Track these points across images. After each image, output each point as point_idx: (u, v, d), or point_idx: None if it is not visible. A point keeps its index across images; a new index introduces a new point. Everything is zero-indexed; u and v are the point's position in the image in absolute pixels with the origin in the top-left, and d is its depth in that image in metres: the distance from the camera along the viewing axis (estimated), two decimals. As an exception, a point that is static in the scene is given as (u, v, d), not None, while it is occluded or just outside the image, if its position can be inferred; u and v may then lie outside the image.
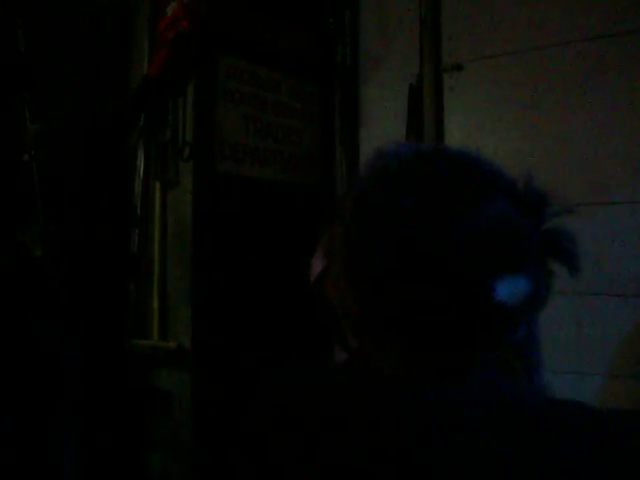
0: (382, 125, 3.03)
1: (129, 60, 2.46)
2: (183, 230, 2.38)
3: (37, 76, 2.05)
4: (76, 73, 2.28)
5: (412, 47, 2.95)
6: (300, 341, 2.49)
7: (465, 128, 2.85)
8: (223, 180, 2.47)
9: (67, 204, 2.13)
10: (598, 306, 2.49)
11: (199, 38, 2.27)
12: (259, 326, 2.46)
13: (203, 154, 2.42)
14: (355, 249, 0.78)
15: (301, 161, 2.84)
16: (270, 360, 2.29)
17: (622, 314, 2.43)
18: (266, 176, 2.64)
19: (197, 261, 2.35)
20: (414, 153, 0.84)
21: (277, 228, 2.60)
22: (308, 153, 2.89)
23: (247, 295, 2.45)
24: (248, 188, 2.56)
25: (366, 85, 3.10)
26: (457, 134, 2.87)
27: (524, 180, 0.85)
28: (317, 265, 0.87)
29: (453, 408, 0.73)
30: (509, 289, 0.75)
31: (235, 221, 2.46)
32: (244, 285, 2.45)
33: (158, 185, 2.42)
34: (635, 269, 2.43)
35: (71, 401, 1.82)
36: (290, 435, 0.79)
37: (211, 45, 2.40)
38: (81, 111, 2.26)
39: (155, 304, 2.38)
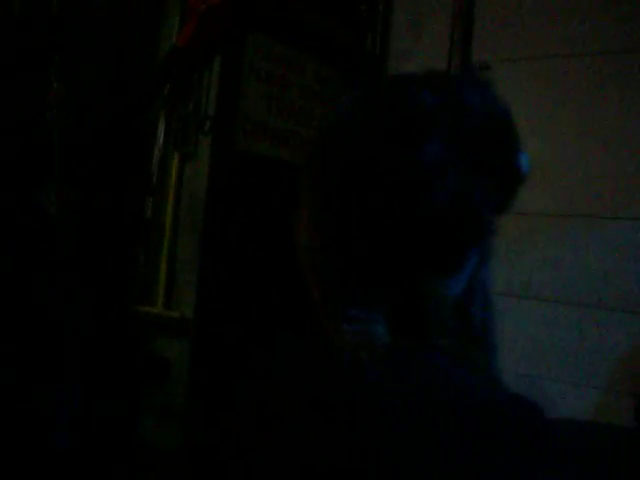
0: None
1: (159, 30, 2.47)
2: (196, 203, 2.39)
3: (67, 40, 2.07)
4: (105, 40, 2.29)
5: (442, 42, 2.94)
6: (301, 316, 2.50)
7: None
8: (241, 156, 2.48)
9: (84, 167, 2.15)
10: (603, 319, 2.49)
11: (229, 13, 2.27)
12: (262, 302, 2.47)
13: (223, 129, 2.43)
14: (319, 185, 0.80)
15: (320, 146, 2.84)
16: (269, 334, 2.31)
17: (626, 329, 2.43)
18: (284, 156, 2.65)
19: (207, 234, 2.37)
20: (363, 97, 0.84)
21: (289, 209, 2.61)
22: (328, 138, 2.89)
23: (253, 271, 2.47)
24: (265, 167, 2.57)
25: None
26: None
27: None
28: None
29: (401, 396, 0.73)
30: (452, 195, 0.74)
31: (248, 198, 2.48)
32: (251, 261, 2.47)
33: (176, 156, 2.43)
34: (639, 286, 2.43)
35: (71, 361, 1.85)
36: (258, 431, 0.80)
37: (241, 21, 2.40)
38: (107, 77, 2.28)
39: (162, 273, 2.41)
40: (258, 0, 2.48)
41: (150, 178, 2.43)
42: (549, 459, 0.70)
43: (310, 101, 2.80)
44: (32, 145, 1.99)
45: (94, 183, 2.24)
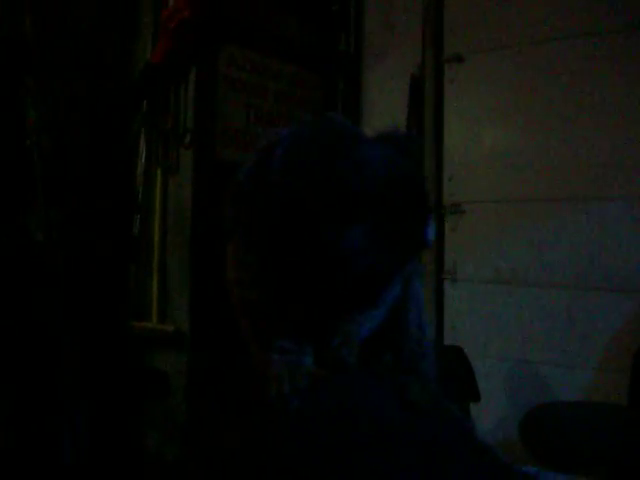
0: (384, 114, 3.06)
1: (133, 48, 2.49)
2: (183, 216, 2.42)
3: (40, 62, 2.08)
4: (79, 60, 2.31)
5: (415, 37, 2.97)
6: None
7: (464, 118, 2.88)
8: (223, 167, 2.50)
9: (69, 189, 2.16)
10: (590, 300, 2.52)
11: (201, 27, 2.29)
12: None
13: (204, 141, 2.45)
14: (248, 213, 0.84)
15: (302, 149, 2.87)
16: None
17: (613, 309, 2.47)
18: (266, 164, 2.67)
19: (196, 247, 2.39)
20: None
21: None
22: (309, 141, 2.92)
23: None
24: (248, 175, 2.59)
25: (368, 74, 3.12)
26: (456, 124, 2.90)
27: None
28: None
29: (316, 424, 0.77)
30: (365, 237, 0.78)
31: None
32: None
33: (159, 171, 2.46)
34: (628, 265, 2.46)
35: (70, 384, 1.87)
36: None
37: (213, 34, 2.43)
38: (84, 97, 2.29)
39: (155, 288, 2.43)
40: (228, 12, 2.51)
41: (135, 195, 2.45)
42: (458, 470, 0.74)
43: (287, 105, 2.82)
44: (14, 172, 2.01)
45: (80, 204, 2.25)
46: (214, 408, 2.23)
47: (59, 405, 1.88)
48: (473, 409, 2.20)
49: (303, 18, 2.91)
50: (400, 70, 2.98)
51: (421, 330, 0.88)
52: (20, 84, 1.98)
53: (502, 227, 2.76)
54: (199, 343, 2.37)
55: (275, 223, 0.82)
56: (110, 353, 2.27)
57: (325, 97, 3.02)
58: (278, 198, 0.82)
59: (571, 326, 2.56)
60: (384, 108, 3.05)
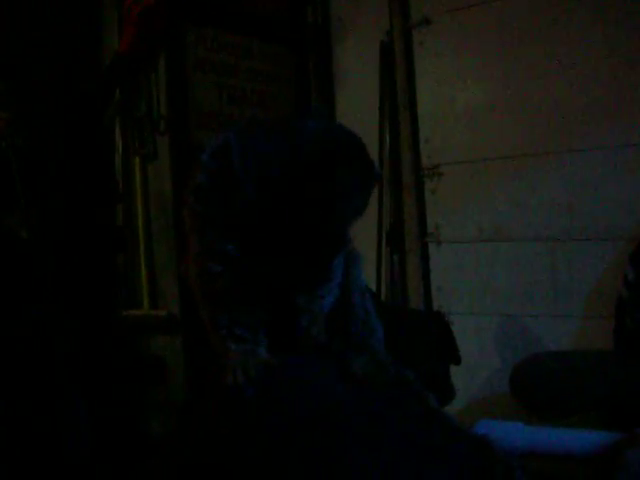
0: (356, 83, 3.07)
1: (100, 38, 2.48)
2: (165, 202, 2.44)
3: (7, 62, 2.08)
4: (47, 56, 2.31)
5: (381, 3, 2.97)
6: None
7: (436, 81, 2.89)
8: (200, 150, 2.51)
9: (48, 186, 2.18)
10: (572, 251, 2.57)
11: (165, 11, 2.28)
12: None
13: (179, 126, 2.46)
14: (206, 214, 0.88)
15: (278, 125, 2.88)
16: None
17: (595, 257, 2.51)
18: (243, 142, 2.68)
19: (180, 230, 2.41)
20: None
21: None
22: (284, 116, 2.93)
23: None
24: (226, 156, 2.60)
25: (338, 45, 3.12)
26: (429, 87, 2.91)
27: None
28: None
29: (269, 411, 0.82)
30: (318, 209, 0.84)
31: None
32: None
33: (137, 159, 2.47)
34: (607, 214, 2.50)
35: (67, 377, 1.91)
36: None
37: (178, 17, 2.42)
38: (55, 93, 2.30)
39: (143, 275, 2.46)
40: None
41: (116, 185, 2.46)
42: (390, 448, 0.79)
43: (260, 83, 2.83)
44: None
45: (61, 200, 2.27)
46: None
47: (57, 400, 1.91)
48: (465, 366, 2.25)
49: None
50: (369, 38, 2.98)
51: (366, 311, 0.92)
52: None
53: (481, 186, 2.79)
54: (192, 325, 2.40)
55: (253, 209, 0.85)
56: (104, 343, 2.31)
57: (296, 71, 3.03)
58: (251, 187, 0.85)
59: (555, 277, 2.60)
60: (356, 78, 3.06)
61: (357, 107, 3.04)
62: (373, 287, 2.79)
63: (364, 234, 2.61)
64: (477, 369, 2.70)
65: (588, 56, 2.54)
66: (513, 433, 1.36)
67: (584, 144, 2.55)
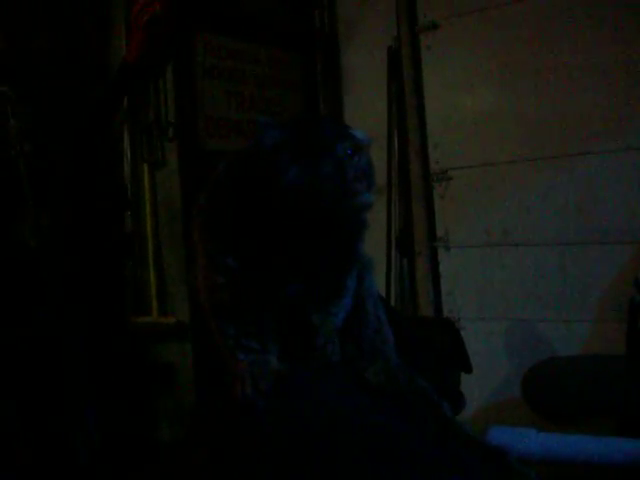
0: (364, 88, 3.07)
1: (108, 46, 2.49)
2: (173, 209, 2.44)
3: (16, 70, 2.09)
4: (56, 64, 2.31)
5: (388, 8, 2.97)
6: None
7: (444, 85, 2.88)
8: (208, 156, 2.52)
9: (57, 193, 2.18)
10: (582, 254, 2.55)
11: (172, 19, 2.29)
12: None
13: (187, 133, 2.46)
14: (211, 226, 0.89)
15: (286, 131, 2.88)
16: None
17: (605, 261, 2.50)
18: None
19: (189, 238, 2.41)
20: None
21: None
22: (292, 122, 2.93)
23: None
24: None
25: (346, 50, 3.12)
26: (437, 91, 2.90)
27: None
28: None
29: (281, 424, 0.81)
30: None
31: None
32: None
33: (146, 167, 2.47)
34: (617, 217, 2.49)
35: (77, 384, 1.91)
36: None
37: (186, 24, 2.43)
38: (64, 101, 2.30)
39: (152, 282, 2.46)
40: (200, 1, 2.50)
41: (125, 192, 2.47)
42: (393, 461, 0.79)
43: (268, 88, 2.83)
44: (2, 182, 2.02)
45: (70, 207, 2.27)
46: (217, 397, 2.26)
47: (68, 406, 1.91)
48: (476, 371, 2.23)
49: (275, -1, 2.91)
50: (377, 43, 2.98)
51: (379, 320, 0.92)
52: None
53: (490, 190, 2.78)
54: (201, 332, 2.40)
55: (258, 231, 0.86)
56: (114, 350, 2.31)
57: (304, 77, 3.03)
58: (253, 207, 0.86)
59: (565, 281, 2.59)
60: (364, 83, 3.06)
61: (365, 112, 3.04)
62: (382, 292, 2.78)
63: (373, 239, 2.60)
64: (487, 374, 2.68)
65: (595, 61, 2.53)
66: (526, 439, 1.35)
67: (593, 147, 2.54)
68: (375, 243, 2.73)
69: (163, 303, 2.46)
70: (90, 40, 2.48)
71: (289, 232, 0.86)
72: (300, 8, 3.04)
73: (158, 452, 2.43)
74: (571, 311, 2.57)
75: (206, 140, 2.52)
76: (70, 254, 2.20)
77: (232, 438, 0.83)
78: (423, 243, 2.90)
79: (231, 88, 2.65)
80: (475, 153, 2.80)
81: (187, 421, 2.31)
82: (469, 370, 2.07)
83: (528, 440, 1.34)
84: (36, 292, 1.96)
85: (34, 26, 2.29)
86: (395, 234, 2.92)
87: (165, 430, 2.46)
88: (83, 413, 1.98)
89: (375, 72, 2.98)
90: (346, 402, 0.84)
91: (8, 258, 1.96)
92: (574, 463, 1.35)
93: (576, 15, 2.56)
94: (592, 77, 2.54)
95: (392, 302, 2.86)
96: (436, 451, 0.80)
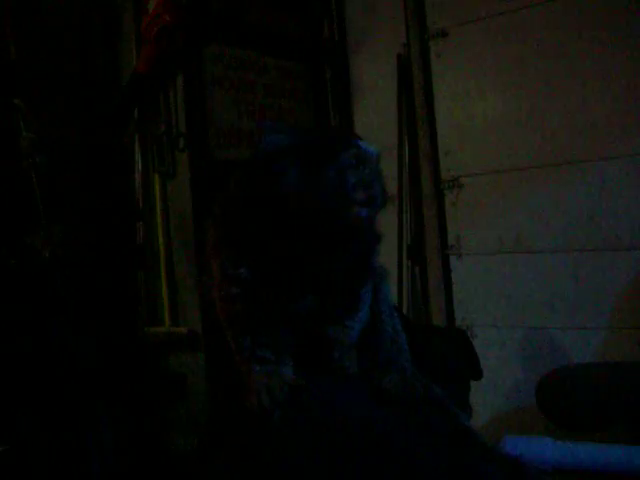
0: (374, 97, 3.07)
1: (118, 58, 2.50)
2: (185, 219, 2.44)
3: (28, 82, 2.10)
4: (67, 75, 2.33)
5: (397, 16, 2.97)
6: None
7: (454, 92, 2.88)
8: (219, 166, 2.52)
9: (69, 204, 2.19)
10: (595, 261, 2.54)
11: (182, 30, 2.30)
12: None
13: (197, 143, 2.47)
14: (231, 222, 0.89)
15: (296, 140, 2.88)
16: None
17: (618, 267, 2.48)
18: (262, 158, 2.69)
19: (201, 248, 2.41)
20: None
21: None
22: (302, 131, 2.93)
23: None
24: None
25: (355, 58, 3.12)
26: (447, 98, 2.90)
27: None
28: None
29: (297, 435, 0.81)
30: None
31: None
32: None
33: (157, 177, 2.48)
34: (630, 223, 2.47)
35: (90, 394, 1.91)
36: None
37: (196, 35, 2.44)
38: (75, 112, 2.31)
39: (164, 293, 2.46)
40: (209, 12, 2.52)
41: (136, 203, 2.48)
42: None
43: (278, 98, 2.83)
44: (15, 194, 2.03)
45: (82, 218, 2.28)
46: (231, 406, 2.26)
47: (81, 416, 1.91)
48: (489, 379, 2.22)
49: (285, 9, 2.91)
50: (386, 51, 2.98)
51: (395, 330, 0.91)
52: (10, 107, 2.00)
53: (502, 197, 2.77)
54: (214, 342, 2.40)
55: (266, 239, 0.86)
56: (127, 361, 2.31)
57: (314, 86, 3.03)
58: (264, 218, 0.87)
59: (579, 288, 2.57)
60: (374, 91, 3.06)
61: (375, 120, 3.04)
62: (394, 300, 2.77)
63: (384, 247, 2.59)
64: (501, 383, 2.67)
65: (605, 66, 2.52)
66: (541, 449, 1.34)
67: (605, 153, 2.52)
68: (387, 251, 2.72)
69: (175, 313, 2.46)
70: (101, 52, 2.50)
71: (293, 236, 0.86)
72: (308, 18, 3.05)
73: (171, 462, 2.43)
74: (585, 318, 2.55)
75: (217, 150, 2.53)
76: (83, 265, 2.20)
77: (248, 448, 0.83)
78: (435, 251, 2.89)
79: (241, 98, 2.65)
80: (486, 160, 2.79)
81: (200, 431, 2.31)
82: (479, 377, 2.06)
83: (544, 449, 1.32)
84: (49, 303, 1.96)
85: (45, 38, 2.30)
86: (407, 242, 2.91)
87: (178, 440, 2.45)
88: (96, 423, 1.98)
89: (385, 80, 2.99)
90: (362, 413, 0.83)
91: (21, 269, 1.97)
92: (591, 472, 1.34)
93: (586, 21, 2.56)
94: (603, 83, 2.53)
95: (404, 310, 2.85)
96: (452, 460, 0.79)
